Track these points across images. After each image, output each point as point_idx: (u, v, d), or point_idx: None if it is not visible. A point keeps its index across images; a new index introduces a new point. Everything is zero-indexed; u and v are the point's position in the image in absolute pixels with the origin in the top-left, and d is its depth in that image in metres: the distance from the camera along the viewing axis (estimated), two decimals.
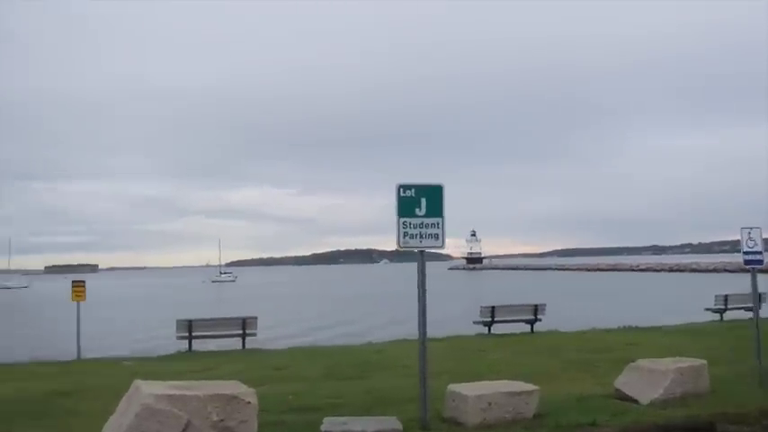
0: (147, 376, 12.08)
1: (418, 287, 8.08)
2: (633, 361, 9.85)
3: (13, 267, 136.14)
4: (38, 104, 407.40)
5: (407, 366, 12.24)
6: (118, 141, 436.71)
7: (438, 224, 8.14)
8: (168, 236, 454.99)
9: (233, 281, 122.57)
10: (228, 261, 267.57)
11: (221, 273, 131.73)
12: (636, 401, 8.97)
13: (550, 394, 9.20)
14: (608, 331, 19.71)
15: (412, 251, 8.19)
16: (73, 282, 18.39)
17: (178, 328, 18.44)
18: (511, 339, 18.51)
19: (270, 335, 25.59)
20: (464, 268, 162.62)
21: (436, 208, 8.14)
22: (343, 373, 12.89)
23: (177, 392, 6.40)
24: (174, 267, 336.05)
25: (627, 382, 9.41)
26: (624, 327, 20.66)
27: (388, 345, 18.07)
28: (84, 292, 18.19)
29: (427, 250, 8.23)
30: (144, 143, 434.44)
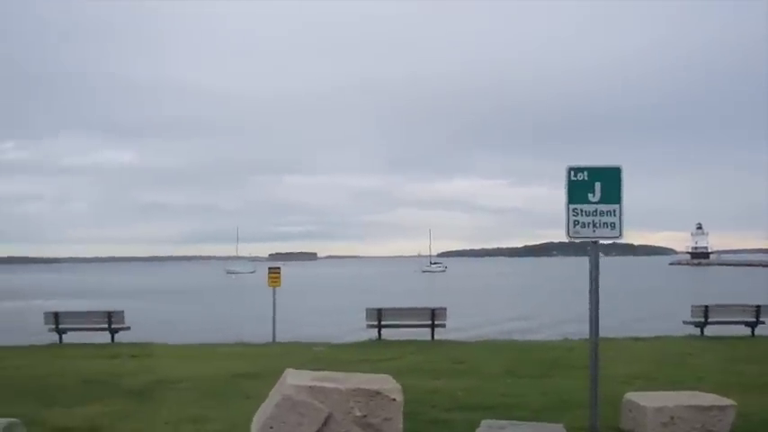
0: (333, 362, 12.39)
1: (590, 282, 7.31)
2: None
3: (241, 255, 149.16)
4: (264, 104, 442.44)
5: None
6: (335, 136, 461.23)
7: (615, 212, 7.25)
8: (382, 226, 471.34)
9: (443, 271, 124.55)
10: (440, 251, 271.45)
11: (431, 263, 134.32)
12: None
13: (756, 410, 7.93)
14: None
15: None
16: (269, 268, 19.36)
17: (368, 317, 18.72)
18: (724, 343, 16.46)
19: (464, 326, 25.31)
20: (687, 263, 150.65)
21: (613, 193, 7.26)
22: (525, 370, 12.19)
23: (318, 384, 6.22)
24: (387, 257, 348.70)
25: None
26: None
27: (583, 342, 16.88)
28: (279, 278, 19.06)
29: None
30: (358, 137, 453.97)
